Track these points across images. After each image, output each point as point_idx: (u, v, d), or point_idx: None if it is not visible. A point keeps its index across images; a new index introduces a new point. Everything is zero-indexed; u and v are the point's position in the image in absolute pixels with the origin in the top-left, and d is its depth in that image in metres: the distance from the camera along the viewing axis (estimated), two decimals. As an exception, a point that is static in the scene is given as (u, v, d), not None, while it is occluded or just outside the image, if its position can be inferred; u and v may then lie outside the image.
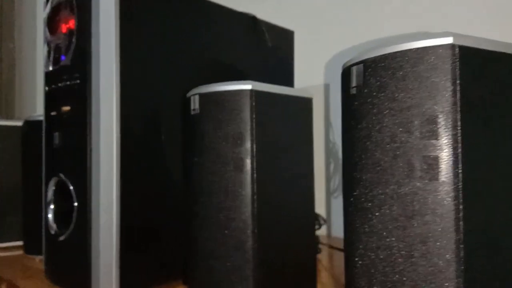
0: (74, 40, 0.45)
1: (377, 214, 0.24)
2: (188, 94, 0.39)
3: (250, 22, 0.60)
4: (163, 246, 0.47)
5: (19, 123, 0.68)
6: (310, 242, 0.42)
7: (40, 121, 0.60)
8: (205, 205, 0.37)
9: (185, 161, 0.44)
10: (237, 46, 0.57)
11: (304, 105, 0.42)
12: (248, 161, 0.35)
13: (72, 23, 0.46)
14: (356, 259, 0.25)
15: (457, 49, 0.21)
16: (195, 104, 0.38)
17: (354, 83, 0.25)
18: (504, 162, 0.23)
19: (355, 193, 0.25)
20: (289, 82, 0.66)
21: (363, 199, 0.24)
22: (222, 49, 0.55)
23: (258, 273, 0.35)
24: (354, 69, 0.25)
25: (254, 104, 0.36)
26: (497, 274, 0.23)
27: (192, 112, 0.38)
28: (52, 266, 0.49)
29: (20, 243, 0.69)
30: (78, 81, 0.45)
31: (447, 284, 0.21)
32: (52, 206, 0.49)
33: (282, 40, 0.66)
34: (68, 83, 0.46)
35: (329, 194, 0.77)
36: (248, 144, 0.35)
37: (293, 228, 0.40)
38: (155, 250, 0.46)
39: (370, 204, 0.24)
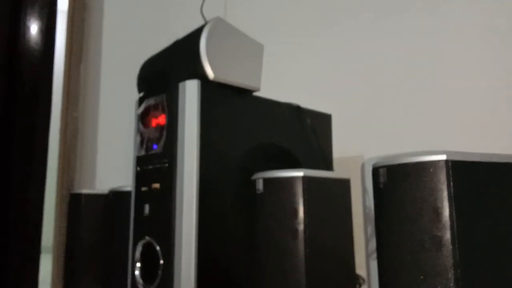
0: (164, 133, 0.60)
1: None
2: (253, 177, 0.52)
3: (294, 110, 0.73)
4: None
5: (105, 192, 0.83)
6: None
7: (124, 192, 0.74)
8: (267, 269, 0.48)
9: (250, 229, 0.55)
10: (285, 130, 0.70)
11: (343, 184, 0.53)
12: (301, 230, 0.46)
13: (162, 120, 0.61)
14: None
15: (449, 163, 0.33)
16: (259, 185, 0.50)
17: (381, 180, 0.37)
18: (484, 234, 0.33)
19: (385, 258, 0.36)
20: (329, 159, 0.78)
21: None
22: (273, 134, 0.68)
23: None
24: (381, 170, 0.37)
25: (305, 187, 0.47)
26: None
27: (257, 192, 0.50)
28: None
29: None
30: (166, 165, 0.58)
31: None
32: (139, 264, 0.61)
33: (321, 123, 0.78)
34: (158, 165, 0.60)
35: (367, 255, 0.86)
36: (301, 217, 0.47)
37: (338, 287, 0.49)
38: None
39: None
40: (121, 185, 0.78)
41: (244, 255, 0.59)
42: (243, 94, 0.64)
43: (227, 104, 0.61)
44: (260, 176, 0.50)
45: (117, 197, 0.75)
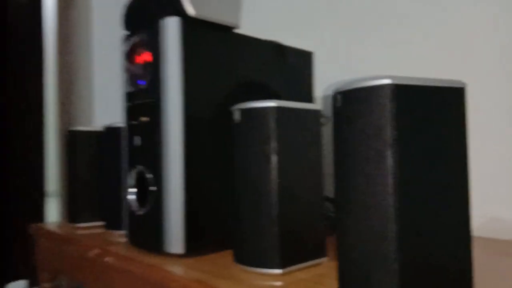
0: (149, 69, 0.63)
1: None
2: (232, 108, 0.56)
3: (275, 48, 0.76)
4: (218, 221, 0.64)
5: (95, 129, 0.88)
6: (318, 219, 0.57)
7: (117, 128, 0.79)
8: (243, 192, 0.54)
9: (230, 156, 0.60)
10: (266, 68, 0.74)
11: (314, 115, 0.57)
12: (273, 157, 0.52)
13: (147, 57, 0.64)
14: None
15: (393, 87, 0.37)
16: (236, 115, 0.54)
17: (337, 105, 0.41)
18: (421, 150, 0.38)
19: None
20: (309, 95, 0.82)
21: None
22: (254, 71, 0.71)
23: (280, 239, 0.51)
24: (338, 96, 0.41)
25: (278, 117, 0.52)
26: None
27: (235, 122, 0.55)
28: (133, 234, 0.67)
29: (97, 223, 0.88)
30: (153, 100, 0.63)
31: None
32: (133, 190, 0.67)
33: (302, 60, 0.82)
34: (145, 101, 0.64)
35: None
36: (273, 145, 0.52)
37: (305, 207, 0.55)
38: (213, 223, 0.63)
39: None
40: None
41: (226, 182, 0.64)
42: (224, 31, 0.67)
43: (209, 40, 0.65)
44: (237, 107, 0.54)
45: (110, 132, 0.80)
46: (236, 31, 0.69)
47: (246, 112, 0.53)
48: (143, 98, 0.65)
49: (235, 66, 0.68)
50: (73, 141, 0.89)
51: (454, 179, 0.40)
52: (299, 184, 0.54)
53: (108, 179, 0.81)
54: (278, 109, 0.52)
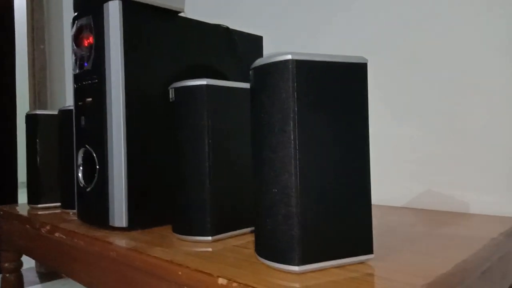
0: (93, 51, 0.66)
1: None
2: (168, 88, 0.59)
3: (223, 32, 0.79)
4: (160, 196, 0.67)
5: (55, 112, 0.90)
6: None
7: (71, 110, 0.81)
8: (179, 167, 0.57)
9: (170, 133, 0.63)
10: (214, 51, 0.77)
11: (246, 94, 0.60)
12: (205, 134, 0.55)
13: (91, 39, 0.66)
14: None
15: (294, 62, 0.40)
16: (171, 94, 0.57)
17: (253, 79, 0.45)
18: (319, 124, 0.42)
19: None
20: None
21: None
22: (201, 54, 0.74)
23: (211, 209, 0.55)
24: (252, 72, 0.45)
25: (209, 94, 0.55)
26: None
27: (171, 101, 0.58)
28: (82, 210, 0.70)
29: (57, 204, 0.91)
30: (96, 81, 0.65)
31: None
32: (81, 168, 0.70)
33: (252, 44, 0.85)
34: (90, 82, 0.66)
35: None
36: (205, 122, 0.55)
37: (238, 179, 0.59)
38: (155, 198, 0.66)
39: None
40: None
41: (167, 159, 0.67)
42: (168, 14, 0.69)
43: (152, 24, 0.67)
44: (172, 86, 0.57)
45: (65, 115, 0.83)
46: (185, 15, 0.72)
47: (179, 90, 0.56)
48: (88, 79, 0.67)
49: (181, 49, 0.71)
50: (31, 125, 0.91)
51: (354, 150, 0.44)
52: (232, 157, 0.58)
53: (64, 160, 0.84)
54: (209, 87, 0.55)
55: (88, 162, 0.69)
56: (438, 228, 0.61)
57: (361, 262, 0.44)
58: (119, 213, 0.64)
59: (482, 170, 0.73)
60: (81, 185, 0.69)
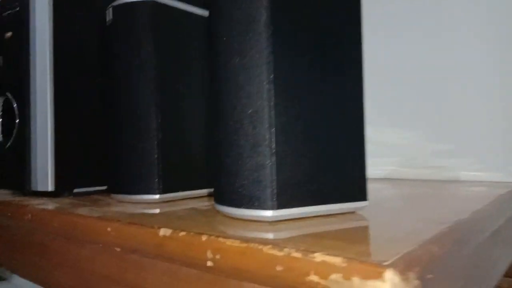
0: (13, -27, 0.53)
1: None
2: (106, 8, 0.47)
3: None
4: (94, 152, 0.54)
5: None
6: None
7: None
8: (118, 110, 0.45)
9: (106, 70, 0.51)
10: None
11: (203, 22, 0.49)
12: (148, 67, 0.43)
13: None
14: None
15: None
16: (109, 15, 0.45)
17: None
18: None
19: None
20: None
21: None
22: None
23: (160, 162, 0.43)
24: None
25: (154, 16, 0.43)
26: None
27: (107, 24, 0.46)
28: (1, 172, 0.56)
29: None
30: (17, 9, 0.52)
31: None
32: (0, 120, 0.56)
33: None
34: (10, 12, 0.53)
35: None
36: (147, 51, 0.43)
37: (193, 129, 0.47)
38: (88, 155, 0.54)
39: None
40: None
41: (105, 104, 0.55)
42: None
43: None
44: (111, 5, 0.45)
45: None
46: None
47: (118, 9, 0.44)
48: (7, 8, 0.54)
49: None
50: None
51: (346, 87, 0.34)
52: (184, 101, 0.46)
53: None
54: (156, 5, 0.43)
55: (10, 114, 0.55)
56: (439, 190, 0.51)
57: (352, 212, 0.34)
58: (42, 174, 0.50)
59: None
60: (1, 141, 0.55)
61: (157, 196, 0.43)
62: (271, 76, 0.30)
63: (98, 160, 0.54)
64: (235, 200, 0.31)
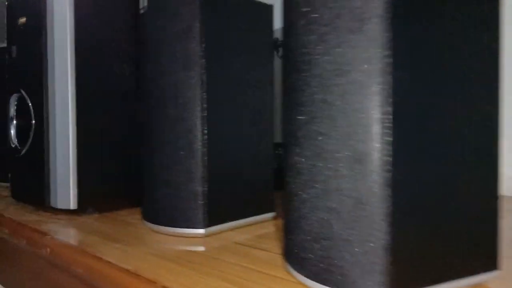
0: None
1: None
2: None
3: None
4: (122, 166, 0.46)
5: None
6: (267, 152, 0.41)
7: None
8: (150, 110, 0.36)
9: (138, 69, 0.43)
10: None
11: (263, 12, 0.40)
12: (197, 62, 0.34)
13: None
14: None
15: None
16: (143, 1, 0.36)
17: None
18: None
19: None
20: None
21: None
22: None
23: (206, 192, 0.34)
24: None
25: (206, 4, 0.34)
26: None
27: (140, 12, 0.36)
28: (15, 182, 0.49)
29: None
30: (33, -9, 0.43)
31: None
32: (14, 122, 0.48)
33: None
34: (24, -7, 0.44)
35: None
36: (197, 43, 0.34)
37: (244, 139, 0.39)
38: (115, 169, 0.46)
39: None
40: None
41: (132, 109, 0.47)
42: None
43: None
44: (144, -10, 0.36)
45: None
46: None
47: (155, -6, 0.35)
48: (21, -11, 0.45)
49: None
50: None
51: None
52: (237, 114, 0.37)
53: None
54: (205, -10, 0.34)
55: (24, 114, 0.48)
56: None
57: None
58: (63, 190, 0.43)
59: None
60: (14, 147, 0.48)
61: (202, 231, 0.35)
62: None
63: (125, 172, 0.46)
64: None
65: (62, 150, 0.43)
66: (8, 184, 0.61)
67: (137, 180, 0.40)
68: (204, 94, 0.34)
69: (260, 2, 0.39)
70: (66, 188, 0.43)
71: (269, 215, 0.40)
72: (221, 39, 0.35)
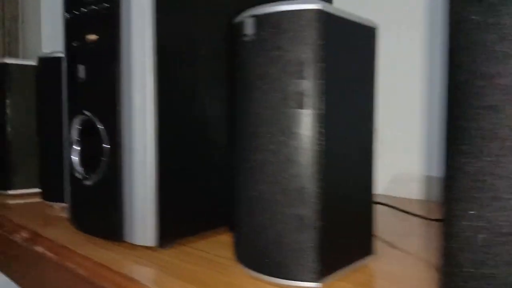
0: (101, -44, 0.39)
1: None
2: (239, 18, 0.34)
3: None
4: (205, 191, 0.43)
5: (33, 62, 0.63)
6: (368, 191, 0.38)
7: (57, 58, 0.55)
8: (257, 147, 0.33)
9: (231, 97, 0.39)
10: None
11: (369, 32, 0.36)
12: (310, 96, 0.30)
13: None
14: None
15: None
16: (248, 28, 0.32)
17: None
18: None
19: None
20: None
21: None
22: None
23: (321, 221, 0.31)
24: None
25: (322, 28, 0.30)
26: None
27: (244, 38, 0.32)
28: (78, 211, 0.45)
29: (35, 190, 0.66)
30: (106, 5, 0.39)
31: None
32: (77, 148, 0.44)
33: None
34: (94, 7, 0.40)
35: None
36: (313, 76, 0.30)
37: (358, 181, 0.35)
38: (197, 196, 0.42)
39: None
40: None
41: (224, 139, 0.43)
42: None
43: None
44: (250, 14, 0.32)
45: (48, 65, 0.56)
46: None
47: (265, 20, 0.31)
48: (90, 3, 0.41)
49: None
50: (4, 74, 0.64)
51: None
52: (350, 151, 0.34)
53: (47, 130, 0.58)
54: (324, 15, 0.30)
55: (88, 137, 0.44)
56: None
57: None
58: (142, 224, 0.39)
59: None
60: (78, 175, 0.44)
61: (318, 286, 0.31)
62: None
63: (211, 201, 0.43)
64: None
65: (140, 179, 0.39)
66: (58, 204, 0.57)
67: (215, 204, 0.37)
68: (321, 130, 0.31)
69: (366, 25, 0.35)
70: (145, 222, 0.39)
71: (369, 258, 0.37)
72: (337, 72, 0.32)
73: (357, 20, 0.34)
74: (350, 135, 0.34)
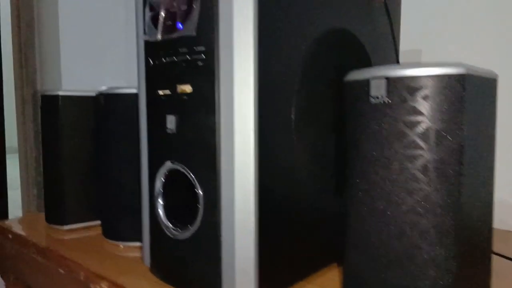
0: (196, 4, 0.37)
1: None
2: (366, 77, 0.32)
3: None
4: (307, 237, 0.42)
5: (90, 93, 0.61)
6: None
7: (124, 95, 0.54)
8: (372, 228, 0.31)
9: (345, 157, 0.37)
10: (353, 12, 0.49)
11: (492, 86, 0.34)
12: (452, 167, 0.29)
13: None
14: None
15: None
16: (377, 90, 0.30)
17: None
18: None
19: None
20: (397, 49, 0.58)
21: None
22: (342, 17, 0.47)
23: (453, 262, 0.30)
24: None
25: (465, 91, 0.28)
26: None
27: (373, 101, 0.31)
28: (163, 262, 0.44)
29: (89, 223, 0.64)
30: (202, 55, 0.37)
31: None
32: (161, 202, 0.43)
33: (392, 2, 0.57)
34: (188, 57, 0.38)
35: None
36: (453, 144, 0.28)
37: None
38: (298, 243, 0.41)
39: None
40: (99, 84, 0.58)
41: (330, 194, 0.42)
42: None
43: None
44: (378, 75, 0.30)
45: (113, 101, 0.54)
46: None
47: (399, 84, 0.29)
48: (183, 52, 0.39)
49: (322, 11, 0.43)
50: (52, 109, 0.62)
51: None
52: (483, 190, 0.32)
53: (105, 164, 0.56)
54: (467, 78, 0.28)
55: (173, 189, 0.42)
56: None
57: None
58: (243, 278, 0.38)
59: None
60: (165, 228, 0.42)
61: None
62: None
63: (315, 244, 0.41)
64: None
65: (241, 233, 0.37)
66: (125, 244, 0.56)
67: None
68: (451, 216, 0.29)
69: (490, 78, 0.34)
70: (246, 277, 0.38)
71: None
72: (475, 133, 0.30)
73: (485, 75, 0.32)
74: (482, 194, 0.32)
